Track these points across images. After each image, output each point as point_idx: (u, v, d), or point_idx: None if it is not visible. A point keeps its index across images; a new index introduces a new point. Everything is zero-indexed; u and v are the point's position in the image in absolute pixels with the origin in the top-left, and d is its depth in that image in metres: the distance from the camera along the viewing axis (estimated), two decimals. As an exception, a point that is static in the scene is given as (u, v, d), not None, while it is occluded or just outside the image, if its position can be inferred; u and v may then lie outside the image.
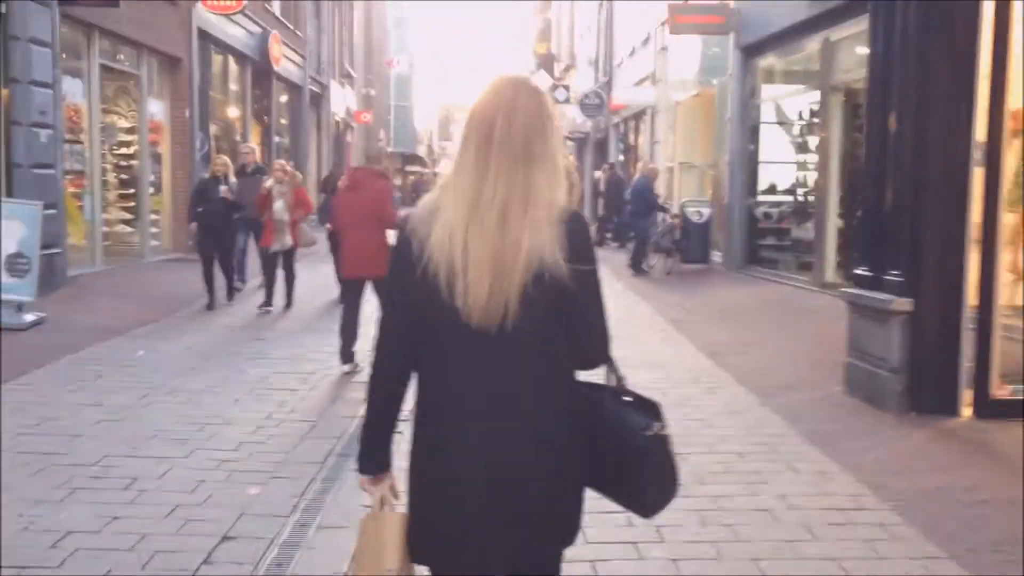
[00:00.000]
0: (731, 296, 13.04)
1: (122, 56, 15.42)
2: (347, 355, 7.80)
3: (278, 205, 10.95)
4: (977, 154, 5.96)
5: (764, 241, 15.16)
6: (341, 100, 35.03)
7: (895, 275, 6.29)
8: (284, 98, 26.41)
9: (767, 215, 15.28)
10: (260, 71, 22.56)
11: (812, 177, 13.71)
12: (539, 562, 2.22)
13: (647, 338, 9.73)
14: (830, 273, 12.29)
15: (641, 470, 2.17)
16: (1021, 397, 6.08)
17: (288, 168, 11.55)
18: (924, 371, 6.17)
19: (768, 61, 15.10)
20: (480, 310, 2.03)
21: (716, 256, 16.42)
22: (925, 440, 5.77)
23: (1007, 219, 6.06)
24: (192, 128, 17.01)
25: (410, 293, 2.09)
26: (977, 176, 5.97)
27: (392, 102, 56.73)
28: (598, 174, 24.78)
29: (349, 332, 7.80)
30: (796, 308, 11.47)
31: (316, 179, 25.59)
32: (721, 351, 8.90)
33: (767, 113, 15.46)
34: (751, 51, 15.06)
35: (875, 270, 6.52)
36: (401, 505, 2.22)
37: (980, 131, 5.95)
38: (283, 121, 26.54)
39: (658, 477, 2.20)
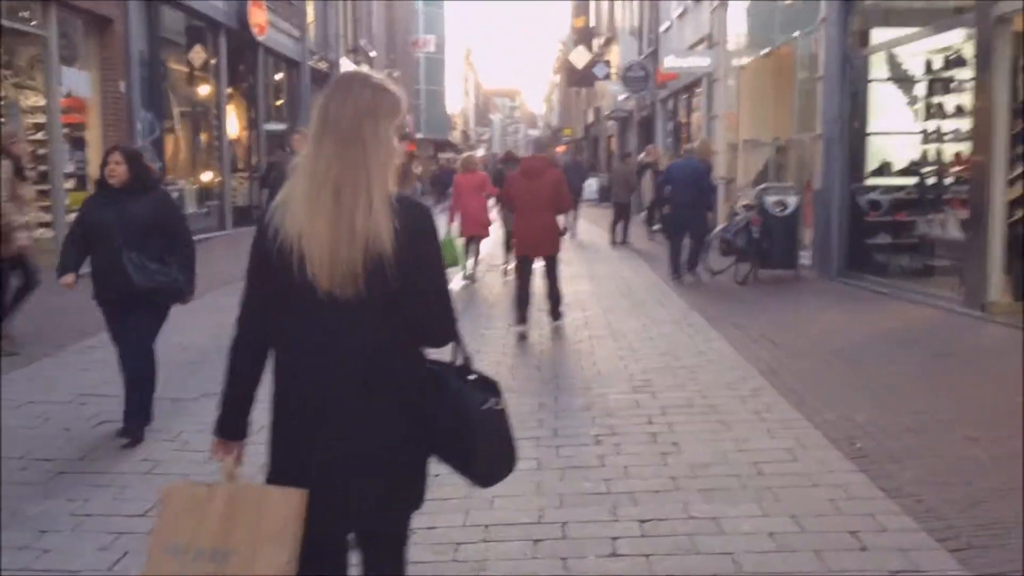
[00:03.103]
0: (844, 323, 9.10)
1: (27, 13, 11.88)
2: (521, 318, 8.54)
3: None
4: None
5: (875, 240, 11.20)
6: (355, 81, 31.26)
7: None
8: (278, 76, 22.79)
9: (874, 204, 11.34)
10: (241, 42, 18.95)
11: (948, 151, 9.78)
12: (388, 526, 2.40)
13: (732, 409, 5.94)
14: (995, 289, 8.37)
15: (474, 442, 2.35)
16: None
17: None
18: None
19: (881, -4, 11.13)
20: (326, 278, 2.16)
21: (804, 259, 12.49)
22: None
23: None
24: (131, 106, 13.46)
25: (266, 275, 2.23)
26: None
27: (422, 86, 53.36)
28: (642, 157, 20.84)
29: (523, 300, 8.56)
30: (961, 349, 7.58)
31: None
32: (872, 448, 5.08)
33: (878, 68, 11.46)
34: (856, -15, 11.12)
35: None
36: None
37: None
38: (278, 103, 22.92)
39: (490, 449, 2.40)
